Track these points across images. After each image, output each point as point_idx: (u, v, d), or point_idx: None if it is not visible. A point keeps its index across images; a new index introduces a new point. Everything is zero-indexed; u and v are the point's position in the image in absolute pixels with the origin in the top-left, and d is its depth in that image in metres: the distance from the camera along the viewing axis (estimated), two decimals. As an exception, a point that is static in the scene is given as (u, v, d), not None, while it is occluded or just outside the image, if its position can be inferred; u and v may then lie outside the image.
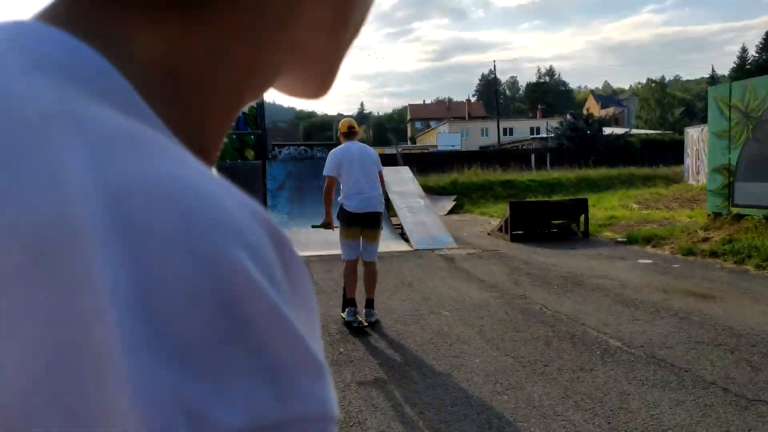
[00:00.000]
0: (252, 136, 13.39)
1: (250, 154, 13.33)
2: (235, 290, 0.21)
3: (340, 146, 5.23)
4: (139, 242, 0.20)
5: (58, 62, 0.24)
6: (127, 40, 0.27)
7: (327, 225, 5.37)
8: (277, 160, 13.87)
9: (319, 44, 0.34)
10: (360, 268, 5.34)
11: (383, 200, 5.27)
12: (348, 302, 5.23)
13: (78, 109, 0.22)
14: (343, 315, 5.29)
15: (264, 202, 11.78)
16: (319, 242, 10.42)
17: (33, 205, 0.18)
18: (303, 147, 14.90)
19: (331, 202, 5.21)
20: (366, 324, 5.16)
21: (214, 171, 0.28)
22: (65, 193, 0.19)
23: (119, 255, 0.19)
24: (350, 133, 5.26)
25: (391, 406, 3.52)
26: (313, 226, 5.78)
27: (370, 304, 5.26)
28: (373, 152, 5.27)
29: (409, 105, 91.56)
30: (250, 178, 12.11)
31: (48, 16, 0.27)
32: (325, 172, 5.13)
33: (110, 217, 0.20)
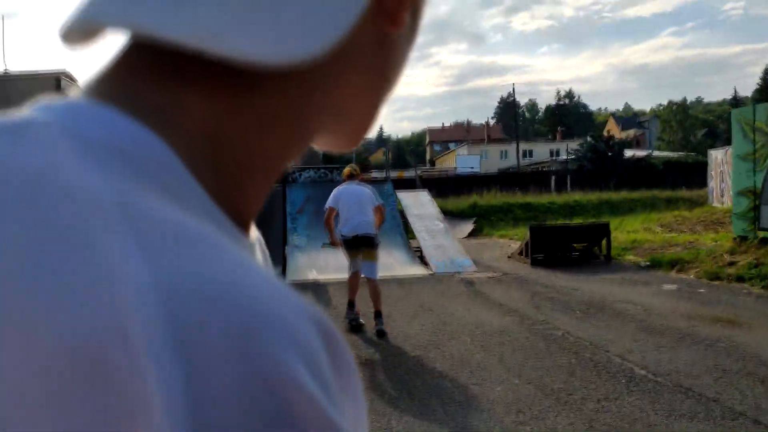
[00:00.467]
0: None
1: (270, 178, 13.45)
2: (291, 405, 0.21)
3: (341, 185, 6.41)
4: (195, 355, 0.20)
5: (114, 148, 0.24)
6: (181, 113, 0.27)
7: (333, 244, 6.48)
8: (297, 183, 13.97)
9: (359, 105, 0.35)
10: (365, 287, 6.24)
11: (374, 227, 6.14)
12: (349, 304, 6.29)
13: (133, 203, 0.22)
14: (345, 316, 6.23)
15: (284, 227, 11.84)
16: (337, 266, 10.41)
17: (85, 311, 0.18)
18: (323, 170, 15.00)
19: (331, 227, 6.35)
20: (375, 330, 5.86)
21: (259, 260, 0.27)
22: (119, 299, 0.19)
23: (174, 369, 0.19)
24: (351, 177, 6.49)
25: (411, 436, 3.46)
26: (324, 245, 7.33)
27: (378, 314, 5.96)
28: (368, 191, 6.36)
29: (428, 128, 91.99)
30: (270, 203, 12.19)
31: (102, 88, 0.28)
32: (327, 205, 6.35)
33: (164, 325, 0.20)
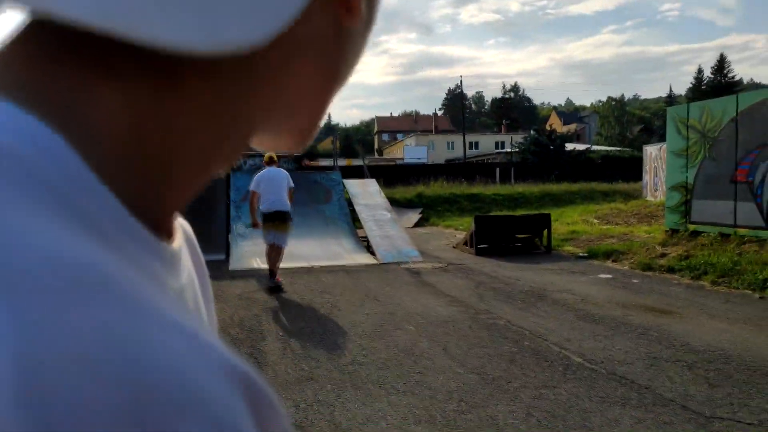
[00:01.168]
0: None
1: (214, 164, 13.10)
2: None
3: (262, 170, 7.45)
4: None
5: (3, 154, 0.19)
6: (91, 108, 0.23)
7: (254, 225, 7.52)
8: (242, 170, 13.68)
9: (307, 102, 0.31)
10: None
11: (288, 205, 7.32)
12: (270, 273, 7.55)
13: (4, 234, 0.18)
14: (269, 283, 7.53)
15: (227, 215, 11.57)
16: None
17: None
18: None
19: (254, 209, 7.40)
20: (279, 286, 7.41)
21: (178, 310, 0.23)
22: None
23: None
24: (270, 162, 7.55)
25: (354, 426, 3.45)
26: (246, 226, 8.41)
27: (273, 274, 7.48)
28: (284, 174, 7.47)
29: (377, 117, 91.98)
30: (213, 190, 11.89)
31: None
32: (249, 188, 7.46)
33: (22, 397, 0.16)
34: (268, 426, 0.22)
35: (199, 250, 0.41)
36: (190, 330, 0.21)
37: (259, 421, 0.21)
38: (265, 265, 9.43)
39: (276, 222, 7.21)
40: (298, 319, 5.97)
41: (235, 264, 9.59)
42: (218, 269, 9.20)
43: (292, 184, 7.55)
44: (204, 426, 0.18)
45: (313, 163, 18.90)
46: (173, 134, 0.25)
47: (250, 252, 10.36)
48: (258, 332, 5.49)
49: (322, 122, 0.34)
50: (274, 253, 7.39)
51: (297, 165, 14.60)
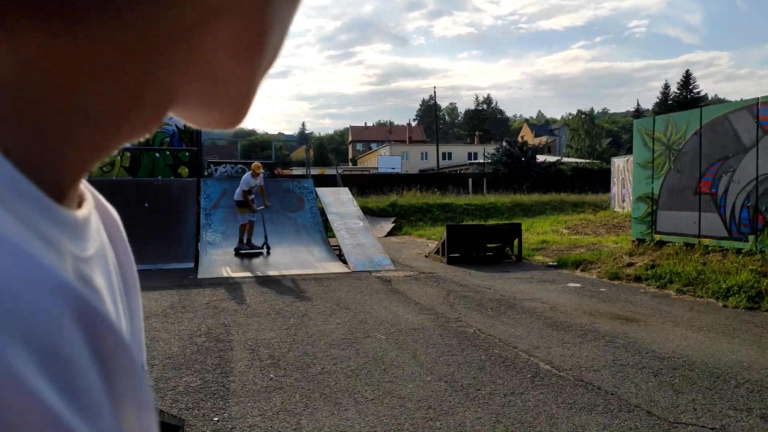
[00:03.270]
0: (187, 153, 12.99)
1: (184, 171, 12.91)
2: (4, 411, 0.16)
3: (248, 174, 10.98)
4: None
5: None
6: None
7: (251, 210, 10.81)
8: (213, 178, 13.51)
9: (232, 70, 0.29)
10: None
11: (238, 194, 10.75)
12: (245, 241, 10.89)
13: None
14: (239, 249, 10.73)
15: (197, 221, 11.40)
16: (251, 264, 10.18)
17: None
18: (240, 165, 14.61)
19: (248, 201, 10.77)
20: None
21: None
22: None
23: None
24: (256, 175, 10.97)
25: None
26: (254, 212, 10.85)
27: (249, 241, 10.97)
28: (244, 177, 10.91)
29: (351, 126, 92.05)
30: (183, 196, 11.71)
31: None
32: (241, 188, 10.72)
33: None
34: (110, 363, 0.20)
35: (126, 241, 0.38)
36: (25, 248, 0.19)
37: (99, 355, 0.19)
38: (234, 274, 9.33)
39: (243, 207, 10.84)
40: (267, 328, 5.89)
41: (203, 272, 9.43)
42: (186, 277, 9.03)
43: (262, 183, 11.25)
44: (18, 341, 0.16)
45: (286, 172, 18.78)
46: (70, 89, 0.23)
47: (219, 260, 10.22)
48: (226, 341, 5.39)
49: (254, 99, 0.32)
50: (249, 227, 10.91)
51: (270, 173, 14.49)
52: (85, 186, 0.30)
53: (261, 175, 11.08)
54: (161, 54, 0.25)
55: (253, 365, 4.67)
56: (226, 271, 9.55)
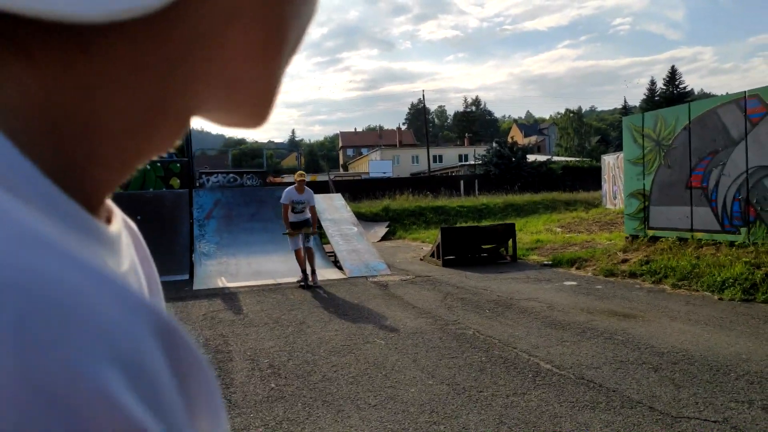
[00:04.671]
0: (178, 164, 12.94)
1: (175, 182, 12.85)
2: (96, 426, 0.16)
3: (291, 188, 8.92)
4: None
5: None
6: (6, 86, 0.22)
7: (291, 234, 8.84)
8: (205, 188, 13.47)
9: (251, 71, 0.29)
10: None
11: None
12: (307, 271, 8.87)
13: None
14: (299, 281, 9.00)
15: (191, 233, 11.35)
16: (249, 273, 10.14)
17: None
18: (232, 175, 14.57)
19: (287, 219, 8.86)
20: (312, 283, 8.80)
21: (87, 249, 0.21)
22: None
23: None
24: (300, 189, 8.85)
25: None
26: (283, 234, 9.15)
27: (313, 272, 8.97)
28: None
29: (341, 132, 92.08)
30: (175, 208, 11.66)
31: None
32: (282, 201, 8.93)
33: None
34: (190, 378, 0.20)
35: (147, 250, 0.38)
36: (99, 267, 0.19)
37: (173, 362, 0.19)
38: (230, 284, 9.29)
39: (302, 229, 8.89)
40: (266, 337, 5.87)
41: (199, 284, 9.39)
42: (182, 289, 8.99)
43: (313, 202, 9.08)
44: (109, 362, 0.16)
45: (278, 180, 18.75)
46: (93, 107, 0.24)
47: (215, 271, 10.17)
48: (225, 352, 5.36)
49: (277, 97, 0.32)
50: (309, 254, 8.88)
51: (262, 181, 14.46)
52: (110, 202, 0.31)
53: (308, 191, 8.90)
54: (180, 66, 0.25)
55: (254, 375, 4.65)
56: (222, 282, 9.51)
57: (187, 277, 10.10)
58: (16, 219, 0.18)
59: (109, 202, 0.30)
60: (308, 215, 8.88)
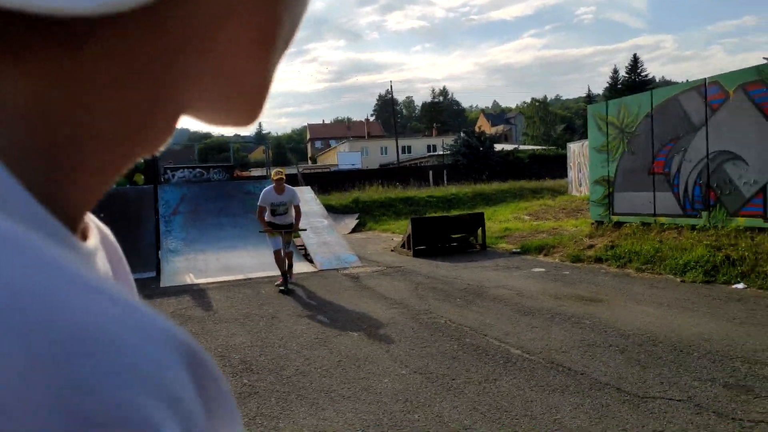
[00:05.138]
0: (141, 160, 12.64)
1: (139, 178, 12.58)
2: None
3: (269, 188, 8.04)
4: None
5: None
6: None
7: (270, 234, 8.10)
8: (170, 183, 13.22)
9: (245, 68, 0.28)
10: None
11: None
12: (285, 275, 8.05)
13: None
14: (278, 285, 8.16)
15: (156, 229, 11.14)
16: (217, 268, 10.01)
17: None
18: (198, 169, 14.33)
19: (263, 220, 8.09)
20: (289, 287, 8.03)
21: (99, 275, 0.20)
22: None
23: None
24: (279, 188, 7.97)
25: None
26: (260, 231, 8.50)
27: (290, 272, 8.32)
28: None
29: (309, 125, 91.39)
30: (140, 204, 11.41)
31: None
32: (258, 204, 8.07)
33: None
34: (214, 401, 0.20)
35: (123, 257, 0.37)
36: (128, 298, 0.18)
37: (201, 393, 0.19)
38: (199, 280, 9.17)
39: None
40: (237, 333, 5.81)
41: (166, 281, 9.23)
42: (148, 287, 8.82)
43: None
44: (147, 391, 0.16)
45: (245, 174, 18.51)
46: (80, 111, 0.22)
47: (182, 267, 10.02)
48: (195, 349, 5.29)
49: (268, 93, 0.31)
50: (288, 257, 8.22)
51: (229, 175, 14.27)
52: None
53: (290, 190, 8.08)
54: (173, 63, 0.24)
55: (225, 372, 4.60)
56: (190, 278, 9.37)
57: (153, 274, 9.92)
58: (32, 246, 0.17)
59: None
60: (291, 219, 8.12)
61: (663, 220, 9.42)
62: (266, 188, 8.05)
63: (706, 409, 3.40)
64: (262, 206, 7.90)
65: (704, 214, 8.72)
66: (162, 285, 8.96)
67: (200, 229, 11.45)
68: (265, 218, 8.01)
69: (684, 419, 3.28)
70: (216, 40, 0.25)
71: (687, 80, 10.13)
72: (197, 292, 8.25)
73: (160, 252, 10.66)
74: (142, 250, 10.42)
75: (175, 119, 0.27)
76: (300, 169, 26.92)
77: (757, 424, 3.14)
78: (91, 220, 0.31)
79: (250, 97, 0.29)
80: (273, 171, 8.49)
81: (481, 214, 11.74)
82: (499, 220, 15.40)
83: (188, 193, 12.35)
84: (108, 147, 0.24)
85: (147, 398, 0.16)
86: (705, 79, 8.79)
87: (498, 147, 36.93)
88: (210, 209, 12.04)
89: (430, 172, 31.84)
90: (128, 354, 0.16)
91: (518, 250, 10.65)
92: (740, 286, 6.66)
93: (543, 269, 8.70)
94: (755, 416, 3.25)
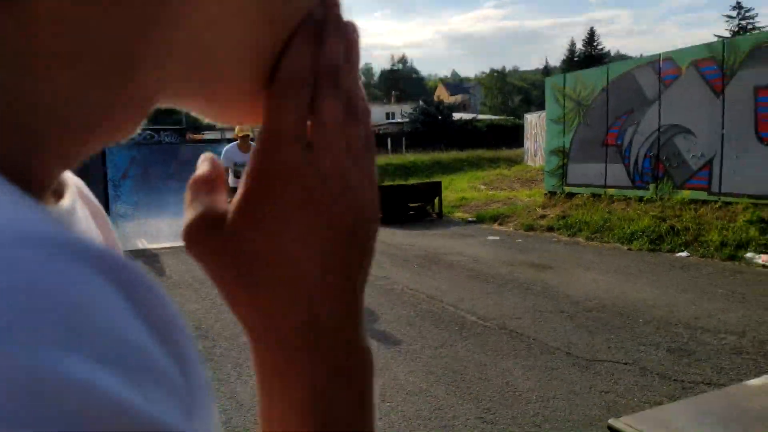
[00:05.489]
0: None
1: (86, 138, 12.07)
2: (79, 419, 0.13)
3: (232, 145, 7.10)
4: None
5: None
6: None
7: None
8: (119, 146, 12.74)
9: (222, 47, 0.24)
10: None
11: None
12: None
13: None
14: None
15: (105, 194, 10.75)
16: (171, 233, 9.78)
17: None
18: (148, 131, 13.83)
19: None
20: None
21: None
22: None
23: None
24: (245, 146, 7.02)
25: (256, 403, 3.36)
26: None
27: None
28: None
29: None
30: (87, 168, 10.85)
31: None
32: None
33: None
34: (163, 328, 0.17)
35: (110, 224, 0.36)
36: (42, 213, 0.17)
37: (149, 321, 0.16)
38: (151, 245, 8.95)
39: None
40: (191, 299, 5.72)
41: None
42: (98, 252, 8.56)
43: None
44: (74, 352, 0.14)
45: (198, 137, 18.00)
46: (39, 81, 0.19)
47: (133, 233, 9.76)
48: (147, 315, 5.19)
49: (266, 83, 0.27)
50: None
51: (181, 138, 13.85)
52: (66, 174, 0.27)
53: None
54: (134, 38, 0.21)
55: (179, 338, 4.53)
56: (142, 243, 9.15)
57: (103, 239, 9.63)
58: None
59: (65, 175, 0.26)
60: None
61: (613, 191, 9.70)
62: (228, 146, 7.26)
63: (650, 371, 3.56)
64: (225, 167, 6.97)
65: (652, 186, 9.02)
66: (112, 250, 8.71)
67: (151, 193, 11.11)
68: (229, 182, 6.85)
69: (629, 381, 3.43)
70: (192, 12, 0.22)
71: (641, 55, 10.34)
72: (150, 258, 8.05)
73: (109, 217, 10.31)
74: (89, 214, 10.07)
75: (147, 104, 0.24)
76: (254, 132, 26.36)
77: (696, 385, 3.31)
78: (70, 180, 0.29)
79: (237, 83, 0.25)
80: (237, 128, 7.65)
81: (439, 184, 11.82)
82: (455, 189, 15.55)
83: (138, 155, 11.93)
84: (68, 128, 0.21)
85: (56, 349, 0.13)
86: (659, 54, 8.98)
87: (456, 116, 37.07)
88: (161, 172, 11.67)
89: (389, 140, 31.75)
90: (63, 309, 0.14)
91: (474, 219, 10.80)
92: (684, 254, 6.96)
93: (497, 237, 8.87)
94: (695, 378, 3.43)
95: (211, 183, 0.29)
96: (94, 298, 0.15)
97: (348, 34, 0.28)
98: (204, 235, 0.27)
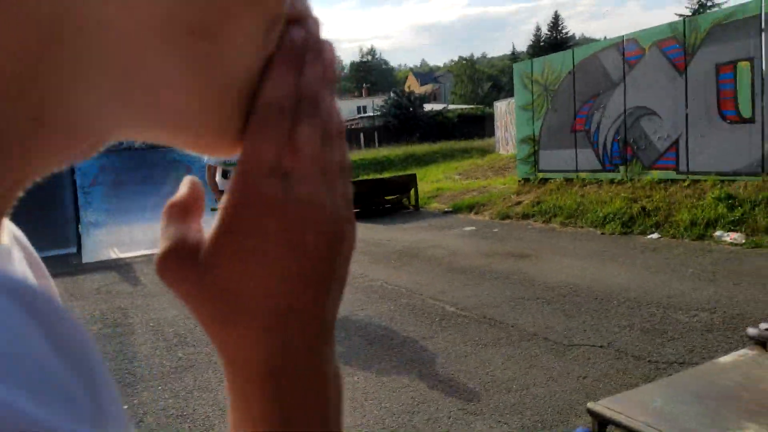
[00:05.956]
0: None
1: (52, 148, 11.79)
2: None
3: None
4: None
5: None
6: None
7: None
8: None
9: (146, 67, 0.21)
10: None
11: None
12: None
13: None
14: None
15: (75, 203, 10.54)
16: (145, 240, 9.64)
17: None
18: (117, 137, 13.59)
19: (214, 185, 6.01)
20: None
21: None
22: None
23: None
24: None
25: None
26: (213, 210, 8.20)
27: None
28: None
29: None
30: (54, 176, 10.59)
31: None
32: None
33: None
34: (60, 336, 0.18)
35: (45, 270, 0.33)
36: None
37: (58, 346, 0.17)
38: (124, 255, 8.81)
39: None
40: (170, 306, 5.65)
41: (89, 256, 8.82)
42: (69, 263, 8.41)
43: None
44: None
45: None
46: None
47: (105, 241, 9.59)
48: (125, 326, 5.12)
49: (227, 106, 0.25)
50: None
51: (148, 144, 13.63)
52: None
53: None
54: (41, 58, 0.19)
55: (159, 347, 4.49)
56: (115, 252, 9.00)
57: (74, 250, 9.45)
58: None
59: None
60: None
61: (584, 175, 9.85)
62: None
63: (625, 353, 3.65)
64: (211, 165, 6.15)
65: (621, 168, 9.18)
66: (84, 261, 8.56)
67: (123, 199, 10.92)
68: (218, 183, 6.05)
69: (605, 364, 3.51)
70: (97, 27, 0.19)
71: (605, 37, 10.47)
72: (123, 267, 7.94)
73: (80, 226, 10.13)
74: (59, 224, 9.87)
75: (82, 133, 0.22)
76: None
77: (670, 365, 3.40)
78: (7, 225, 0.28)
79: (176, 107, 0.23)
80: None
81: (414, 176, 11.85)
82: (430, 180, 15.61)
83: (107, 162, 11.69)
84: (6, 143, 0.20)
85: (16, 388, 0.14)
86: (623, 36, 9.11)
87: (427, 107, 37.14)
88: (132, 178, 11.48)
89: (361, 135, 31.70)
90: None
91: (450, 209, 10.87)
92: (654, 236, 7.11)
93: (474, 227, 8.94)
94: (669, 357, 3.53)
95: (188, 209, 0.29)
96: (3, 321, 0.15)
97: (325, 54, 0.27)
98: (177, 266, 0.26)
